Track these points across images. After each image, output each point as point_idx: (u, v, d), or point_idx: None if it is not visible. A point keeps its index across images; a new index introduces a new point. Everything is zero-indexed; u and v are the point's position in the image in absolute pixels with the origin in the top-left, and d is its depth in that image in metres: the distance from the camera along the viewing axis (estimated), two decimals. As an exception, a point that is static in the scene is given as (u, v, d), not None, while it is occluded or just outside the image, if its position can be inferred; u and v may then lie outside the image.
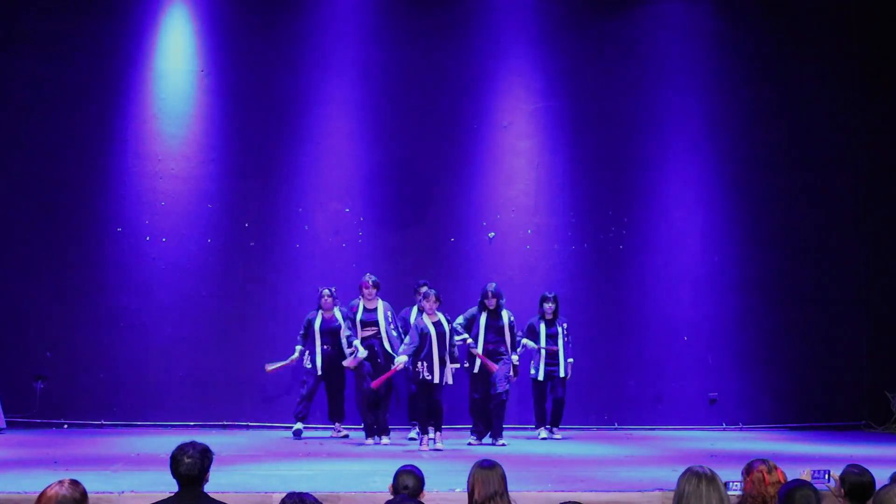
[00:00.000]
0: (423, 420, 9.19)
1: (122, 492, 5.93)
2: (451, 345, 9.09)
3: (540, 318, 10.23)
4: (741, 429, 11.55)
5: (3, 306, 10.67)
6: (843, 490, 4.63)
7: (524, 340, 10.14)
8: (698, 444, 9.96)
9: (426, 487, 4.62)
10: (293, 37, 11.30)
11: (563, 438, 10.14)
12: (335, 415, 10.18)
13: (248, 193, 11.18)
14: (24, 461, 7.73)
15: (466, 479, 4.35)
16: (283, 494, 3.87)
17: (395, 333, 9.63)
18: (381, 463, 7.62)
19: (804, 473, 5.08)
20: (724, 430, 11.48)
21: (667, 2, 11.96)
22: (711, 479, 3.90)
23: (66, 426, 10.54)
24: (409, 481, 4.50)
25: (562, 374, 10.15)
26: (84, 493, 3.92)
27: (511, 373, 9.78)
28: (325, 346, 9.95)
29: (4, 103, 10.89)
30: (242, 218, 11.14)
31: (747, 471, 4.44)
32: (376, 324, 9.59)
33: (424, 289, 9.82)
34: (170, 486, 4.49)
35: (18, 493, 5.80)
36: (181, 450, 4.36)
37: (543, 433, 10.21)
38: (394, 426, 9.86)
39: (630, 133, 11.79)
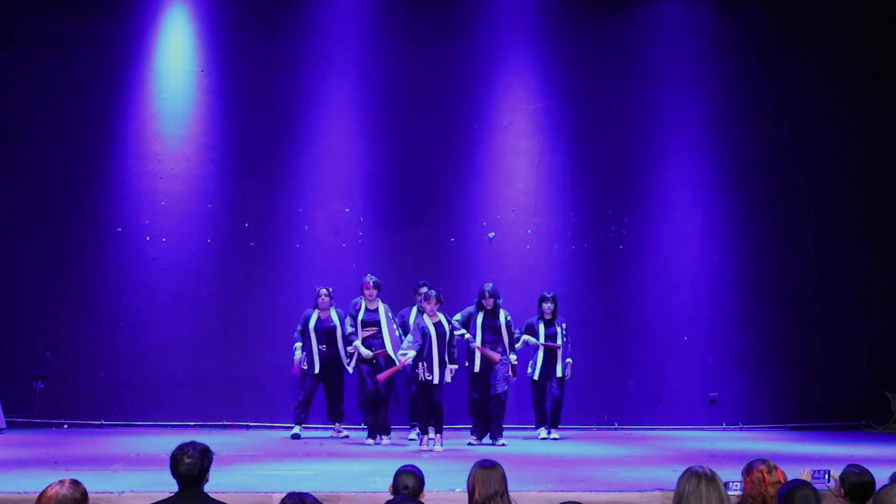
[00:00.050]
0: (424, 421, 9.20)
1: (122, 492, 5.93)
2: (452, 345, 9.10)
3: (539, 318, 10.22)
4: (741, 429, 11.56)
5: (3, 306, 10.66)
6: (843, 490, 4.63)
7: (525, 337, 10.14)
8: (698, 444, 9.96)
9: (426, 487, 4.63)
10: (293, 37, 11.30)
11: (561, 438, 10.13)
12: (334, 415, 10.18)
13: (248, 193, 11.18)
14: (24, 461, 7.73)
15: (466, 479, 4.35)
16: (283, 494, 3.87)
17: (397, 334, 9.63)
18: (381, 463, 7.62)
19: (804, 473, 5.08)
20: (724, 430, 11.48)
21: (667, 2, 11.97)
22: (711, 479, 3.90)
23: (66, 426, 10.54)
24: (409, 481, 4.50)
25: (559, 374, 10.15)
26: (84, 493, 3.92)
27: (510, 373, 9.78)
28: (321, 346, 9.95)
29: (5, 103, 10.88)
30: (242, 218, 11.14)
31: (747, 471, 4.44)
32: (377, 324, 9.58)
33: (424, 289, 9.82)
34: (170, 486, 4.50)
35: (18, 493, 5.80)
36: (181, 450, 4.36)
37: (543, 433, 10.21)
38: (394, 426, 9.85)
39: (630, 133, 11.80)
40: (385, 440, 9.51)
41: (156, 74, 11.13)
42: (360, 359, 9.58)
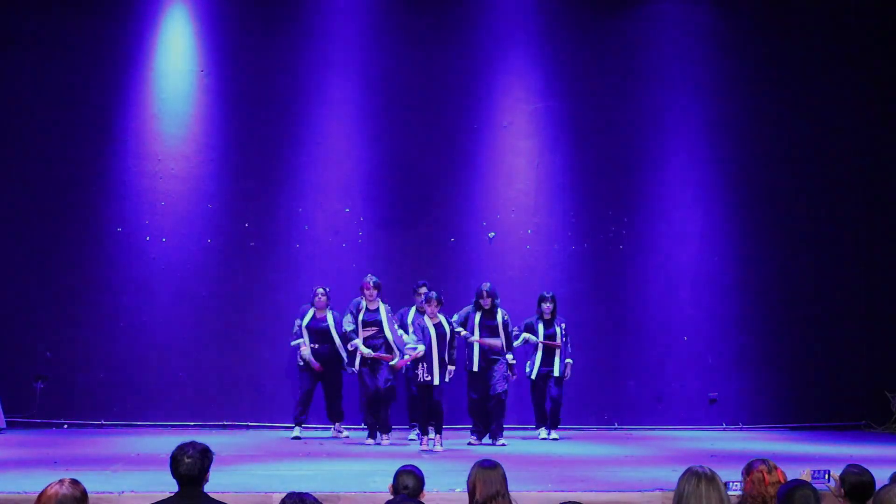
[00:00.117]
0: (424, 421, 9.21)
1: (122, 492, 5.93)
2: (452, 346, 9.11)
3: (538, 318, 10.22)
4: (741, 429, 11.56)
5: (3, 306, 10.67)
6: (843, 490, 4.63)
7: (524, 335, 10.14)
8: (698, 444, 9.96)
9: (426, 487, 4.62)
10: (293, 37, 11.30)
11: (561, 438, 10.12)
12: (334, 415, 10.17)
13: (248, 193, 11.18)
14: (24, 461, 7.73)
15: (466, 479, 4.35)
16: (283, 494, 3.87)
17: (399, 333, 9.62)
18: (381, 463, 7.62)
19: (804, 473, 5.08)
20: (724, 430, 11.48)
21: (667, 2, 11.97)
22: (711, 479, 3.90)
23: (66, 426, 10.54)
24: (409, 481, 4.50)
25: (556, 374, 10.14)
26: (84, 493, 3.92)
27: (508, 372, 9.78)
28: (313, 345, 9.95)
29: (5, 103, 10.89)
30: (242, 218, 11.14)
31: (747, 471, 4.44)
32: (378, 324, 9.57)
33: (424, 289, 9.84)
34: (170, 486, 4.49)
35: (18, 493, 5.80)
36: (181, 450, 4.36)
37: (543, 433, 10.21)
38: (394, 426, 9.84)
39: (630, 133, 11.80)
40: (385, 440, 9.50)
41: (156, 74, 11.13)
42: (361, 359, 9.56)
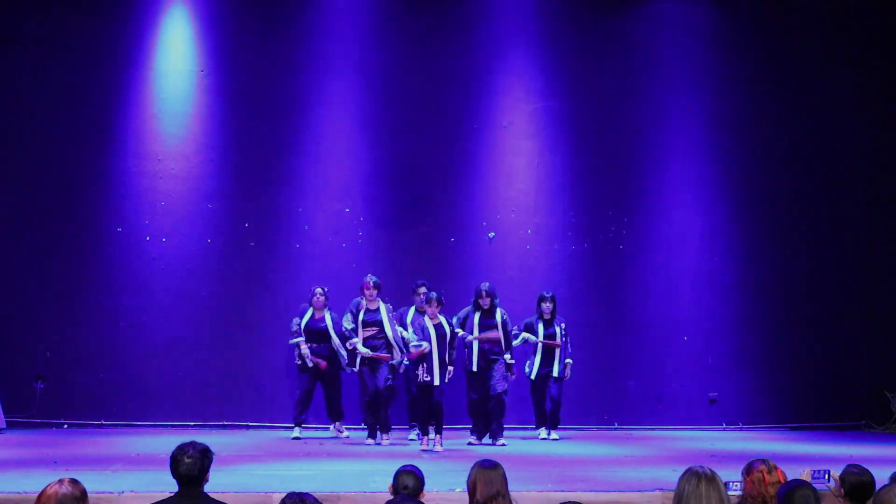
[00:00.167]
0: (424, 421, 9.22)
1: (122, 492, 5.93)
2: (452, 347, 9.11)
3: (538, 318, 10.22)
4: (741, 429, 11.56)
5: (3, 306, 10.67)
6: (843, 490, 4.63)
7: (524, 334, 10.13)
8: (698, 444, 9.96)
9: (426, 487, 4.62)
10: (293, 37, 11.30)
11: (561, 439, 10.12)
12: (333, 414, 10.16)
13: (248, 193, 11.18)
14: (24, 461, 7.73)
15: (466, 479, 4.35)
16: (283, 494, 3.87)
17: (400, 333, 9.61)
18: (381, 463, 7.62)
19: (804, 473, 5.08)
20: (724, 430, 11.48)
21: (667, 2, 11.97)
22: (711, 479, 3.90)
23: (66, 426, 10.54)
24: (409, 481, 4.50)
25: (555, 374, 10.14)
26: (84, 492, 3.92)
27: (507, 371, 9.77)
28: (311, 345, 9.94)
29: (5, 103, 10.89)
30: (242, 218, 11.14)
31: (747, 471, 4.44)
32: (378, 324, 9.57)
33: (423, 289, 9.85)
34: (170, 486, 4.49)
35: (18, 493, 5.80)
36: (181, 450, 4.36)
37: (543, 433, 10.21)
38: (394, 426, 9.84)
39: (630, 133, 11.80)
40: (385, 440, 9.50)
41: (156, 74, 11.13)
42: (361, 359, 9.56)
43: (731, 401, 11.70)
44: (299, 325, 10.01)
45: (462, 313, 9.94)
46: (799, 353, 11.81)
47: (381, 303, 9.64)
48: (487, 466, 4.31)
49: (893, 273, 12.09)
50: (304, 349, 9.93)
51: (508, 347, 9.82)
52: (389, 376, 9.54)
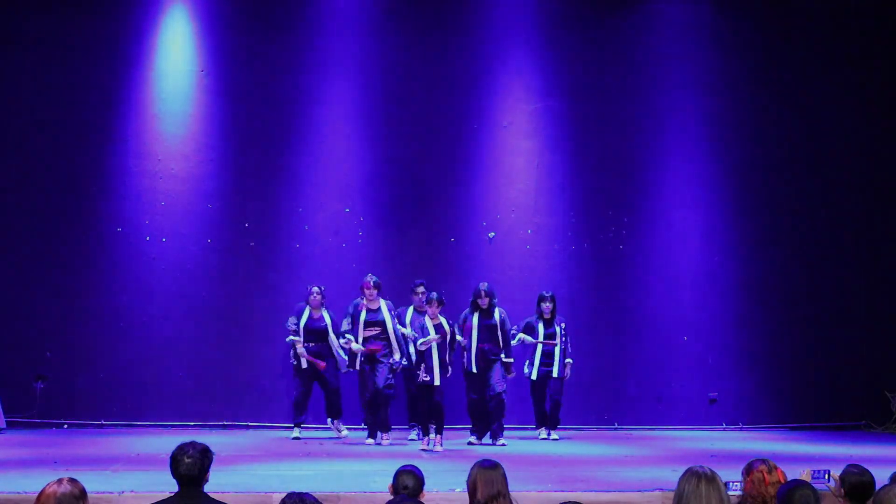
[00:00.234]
0: (424, 421, 9.22)
1: (122, 492, 5.93)
2: (452, 348, 9.11)
3: (538, 318, 10.22)
4: (741, 429, 11.56)
5: (3, 306, 10.66)
6: (843, 490, 4.63)
7: (520, 335, 10.12)
8: (698, 444, 9.96)
9: (426, 487, 4.62)
10: (293, 37, 11.30)
11: (561, 439, 10.12)
12: (332, 412, 10.12)
13: (248, 193, 11.18)
14: (24, 461, 7.73)
15: (466, 479, 4.35)
16: (283, 494, 3.87)
17: (401, 331, 9.60)
18: (381, 463, 7.62)
19: (804, 473, 5.08)
20: (724, 430, 11.48)
21: (667, 1, 11.97)
22: (711, 479, 3.90)
23: (66, 426, 10.54)
24: (409, 481, 4.50)
25: (555, 374, 10.14)
26: (83, 491, 3.92)
27: (506, 372, 9.76)
28: (308, 344, 9.93)
29: (4, 103, 10.88)
30: (242, 218, 11.14)
31: (747, 471, 4.44)
32: (380, 324, 9.56)
33: (421, 288, 9.85)
34: (170, 486, 4.49)
35: (18, 493, 5.80)
36: (181, 450, 4.36)
37: (543, 433, 10.21)
38: (394, 426, 9.84)
39: (630, 133, 11.80)
40: (385, 440, 9.50)
41: (156, 74, 11.13)
42: (362, 358, 9.54)
43: (731, 401, 11.70)
44: (297, 324, 9.99)
45: (462, 316, 9.90)
46: (799, 353, 11.81)
47: (381, 301, 9.64)
48: (487, 466, 4.31)
49: (893, 273, 12.09)
50: (301, 349, 9.93)
51: (507, 347, 9.81)
52: (390, 376, 9.53)
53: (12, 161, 10.86)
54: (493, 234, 11.49)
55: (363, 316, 9.57)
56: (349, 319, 9.66)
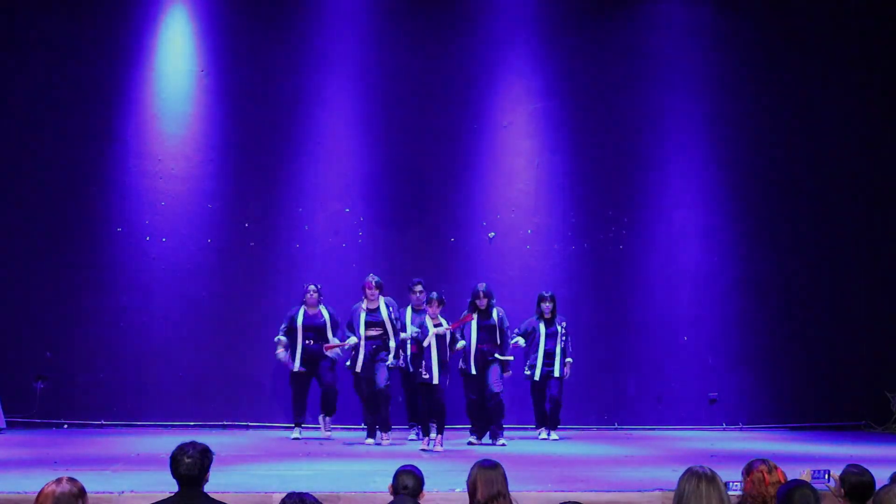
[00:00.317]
0: (424, 421, 9.22)
1: (122, 492, 5.93)
2: (452, 349, 9.10)
3: (538, 318, 10.22)
4: (741, 429, 11.56)
5: (3, 306, 10.66)
6: (843, 490, 4.63)
7: (517, 338, 10.09)
8: (698, 444, 9.96)
9: (426, 487, 4.62)
10: (293, 37, 11.30)
11: (561, 439, 10.12)
12: (326, 407, 10.05)
13: (248, 193, 11.18)
14: (24, 461, 7.73)
15: (466, 479, 4.35)
16: (283, 494, 3.88)
17: (402, 336, 9.57)
18: (381, 463, 7.62)
19: (804, 473, 5.08)
20: (724, 430, 11.48)
21: (667, 2, 11.97)
22: (711, 479, 3.90)
23: (66, 426, 10.54)
24: (409, 481, 4.50)
25: (556, 374, 10.14)
26: (82, 489, 3.92)
27: (503, 371, 9.74)
28: (307, 341, 9.93)
29: (5, 103, 10.88)
30: (242, 218, 11.14)
31: (747, 471, 4.44)
32: (381, 324, 9.56)
33: (419, 287, 9.84)
34: (170, 486, 4.50)
35: (18, 493, 5.80)
36: (181, 450, 4.37)
37: (543, 433, 10.21)
38: (394, 426, 9.83)
39: (630, 133, 11.80)
40: (385, 440, 9.50)
41: (156, 74, 11.13)
42: (363, 360, 9.52)
43: (731, 401, 11.70)
44: (284, 329, 9.97)
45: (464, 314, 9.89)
46: (799, 353, 11.81)
47: (381, 301, 9.62)
48: (487, 466, 4.31)
49: (893, 273, 12.09)
50: (281, 354, 9.90)
51: (505, 346, 9.79)
52: (389, 376, 9.52)
53: (12, 161, 10.85)
54: (493, 234, 11.49)
55: (363, 317, 9.57)
56: (347, 329, 9.67)
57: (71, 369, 10.72)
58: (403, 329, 9.58)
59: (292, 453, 8.68)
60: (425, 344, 8.99)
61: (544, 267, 11.52)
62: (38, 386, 10.63)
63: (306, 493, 3.87)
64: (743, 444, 10.09)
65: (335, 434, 10.12)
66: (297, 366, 9.92)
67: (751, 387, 11.75)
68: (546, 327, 10.16)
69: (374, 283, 9.58)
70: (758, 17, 12.06)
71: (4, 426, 10.14)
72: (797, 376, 11.76)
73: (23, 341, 10.68)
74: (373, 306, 9.61)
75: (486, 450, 9.11)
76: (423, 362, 8.96)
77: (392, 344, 9.51)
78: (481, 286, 9.83)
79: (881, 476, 4.73)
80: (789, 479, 4.28)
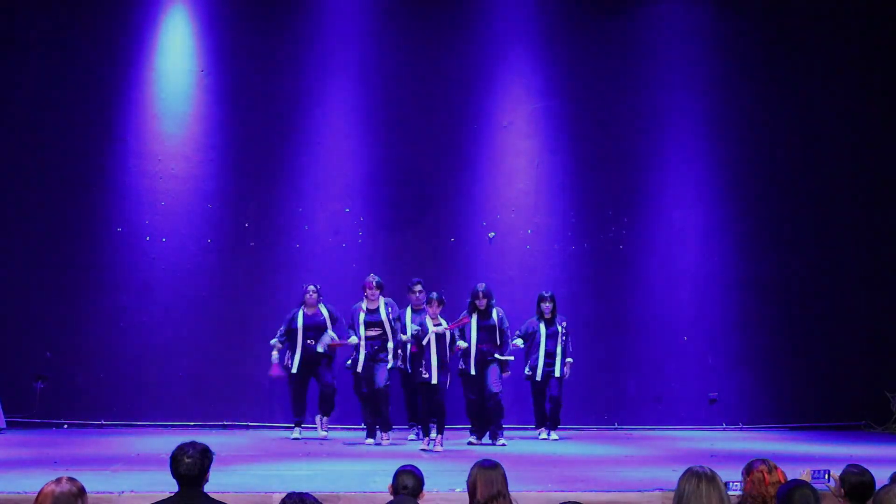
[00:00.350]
0: (424, 421, 9.22)
1: (122, 492, 5.93)
2: (452, 350, 9.10)
3: (538, 319, 10.22)
4: (741, 429, 11.55)
5: (3, 306, 10.66)
6: (843, 490, 4.63)
7: (516, 339, 10.09)
8: (698, 444, 9.96)
9: (426, 487, 4.62)
10: (293, 37, 11.30)
11: (561, 439, 10.12)
12: (324, 406, 10.02)
13: (248, 193, 11.18)
14: (24, 461, 7.72)
15: (466, 479, 4.35)
16: (283, 494, 3.88)
17: (402, 338, 9.57)
18: (381, 463, 7.62)
19: (804, 473, 5.09)
20: (724, 430, 11.48)
21: (667, 2, 11.97)
22: (711, 479, 3.90)
23: (66, 426, 10.54)
24: (409, 481, 4.50)
25: (557, 374, 10.13)
26: (81, 489, 3.92)
27: (502, 370, 9.74)
28: (308, 341, 9.93)
29: (5, 103, 10.89)
30: (242, 218, 11.14)
31: (747, 471, 4.44)
32: (381, 325, 9.56)
33: (418, 287, 9.84)
34: (170, 486, 4.50)
35: (18, 493, 5.80)
36: (181, 450, 4.37)
37: (544, 433, 10.21)
38: (394, 426, 9.83)
39: (630, 133, 11.80)
40: (385, 440, 9.50)
41: (156, 74, 11.13)
42: (364, 360, 9.52)
43: (731, 401, 11.69)
44: (283, 331, 9.97)
45: (462, 316, 9.88)
46: (799, 353, 11.81)
47: (382, 301, 9.62)
48: (487, 466, 4.31)
49: (893, 273, 12.08)
50: (275, 356, 9.92)
51: (503, 346, 9.79)
52: (388, 376, 9.52)
53: (12, 161, 10.85)
54: (493, 234, 11.49)
55: (362, 317, 9.57)
56: (349, 325, 9.68)
57: (71, 369, 10.72)
58: (403, 331, 9.56)
59: (292, 453, 8.68)
60: (424, 342, 8.99)
61: (544, 267, 11.52)
62: (38, 386, 10.63)
63: (306, 493, 3.87)
64: (743, 444, 10.09)
65: (335, 434, 10.12)
66: (295, 367, 9.92)
67: (751, 387, 11.75)
68: (546, 327, 10.16)
69: (374, 283, 9.58)
70: (758, 18, 12.06)
71: (4, 426, 10.14)
72: (797, 376, 11.75)
73: (23, 341, 10.68)
74: (373, 306, 9.61)
75: (486, 450, 9.11)
76: (423, 361, 8.96)
77: (390, 345, 9.51)
78: (480, 286, 9.82)
79: (881, 476, 4.73)
80: (789, 479, 4.28)
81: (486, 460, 4.38)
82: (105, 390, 10.71)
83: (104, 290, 10.85)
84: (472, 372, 9.68)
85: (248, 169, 11.21)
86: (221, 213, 11.12)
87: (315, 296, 10.01)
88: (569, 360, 10.20)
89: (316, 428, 10.06)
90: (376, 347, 9.54)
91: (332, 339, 9.86)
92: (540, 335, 10.15)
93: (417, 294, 9.81)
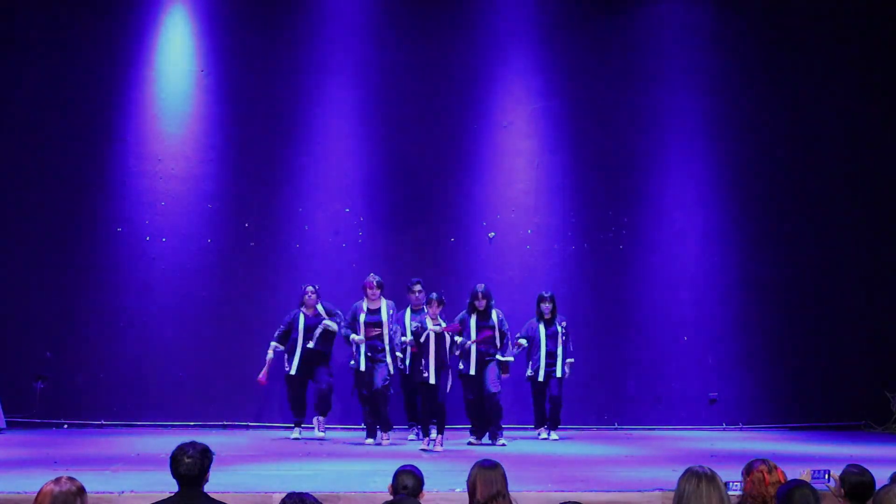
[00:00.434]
0: (424, 421, 9.22)
1: (122, 492, 5.93)
2: (452, 351, 9.10)
3: (538, 319, 10.21)
4: (741, 429, 11.56)
5: (3, 306, 10.66)
6: (843, 490, 4.63)
7: (520, 340, 10.09)
8: (698, 444, 9.96)
9: (426, 487, 4.62)
10: (293, 37, 11.31)
11: (561, 439, 10.12)
12: (321, 405, 10.03)
13: (248, 193, 11.18)
14: (24, 461, 7.72)
15: (466, 479, 4.35)
16: (283, 494, 3.88)
17: (403, 339, 9.56)
18: (381, 463, 7.62)
19: (804, 473, 5.09)
20: (724, 430, 11.48)
21: (667, 2, 11.97)
22: (711, 479, 3.90)
23: (66, 426, 10.54)
24: (409, 481, 4.50)
25: (558, 374, 10.13)
26: (81, 489, 3.93)
27: (501, 371, 9.73)
28: (308, 343, 9.92)
29: (4, 103, 10.89)
30: (242, 218, 11.14)
31: (747, 471, 4.44)
32: (381, 325, 9.56)
33: (418, 287, 9.83)
34: (170, 486, 4.50)
35: (18, 493, 5.80)
36: (181, 450, 4.37)
37: (544, 433, 10.21)
38: (394, 426, 9.83)
39: (630, 133, 11.80)
40: (385, 440, 9.50)
41: (156, 74, 11.13)
42: (367, 358, 9.52)
43: (731, 401, 11.69)
44: (281, 333, 9.97)
45: (458, 319, 9.87)
46: (799, 353, 11.81)
47: (383, 302, 9.62)
48: (487, 466, 4.31)
49: (893, 273, 12.08)
50: (270, 356, 9.93)
51: (503, 347, 9.78)
52: (388, 376, 9.52)
53: (12, 161, 10.85)
54: (493, 234, 11.49)
55: (362, 317, 9.56)
56: (345, 324, 9.67)
57: (71, 369, 10.72)
58: (404, 333, 9.56)
59: (292, 453, 8.68)
60: (422, 339, 8.99)
61: (544, 267, 11.52)
62: (38, 386, 10.63)
63: (306, 493, 3.87)
64: (743, 444, 10.09)
65: (335, 434, 10.13)
66: (294, 368, 9.92)
67: (751, 387, 11.75)
68: (546, 328, 10.16)
69: (374, 283, 9.58)
70: (758, 18, 12.06)
71: (4, 426, 10.14)
72: (797, 376, 11.75)
73: (23, 341, 10.68)
74: (374, 306, 9.61)
75: (486, 450, 9.11)
76: (423, 361, 8.96)
77: (388, 347, 9.51)
78: (480, 287, 9.82)
79: (881, 476, 4.73)
80: (789, 479, 4.28)
81: (485, 460, 4.38)
82: (105, 390, 10.71)
83: (104, 290, 10.85)
84: (472, 372, 9.68)
85: (248, 169, 11.21)
86: (221, 213, 11.12)
87: (314, 296, 10.01)
88: (569, 360, 10.20)
89: (313, 428, 10.07)
90: (379, 348, 9.53)
91: (326, 326, 9.86)
92: (539, 336, 10.14)
93: (417, 294, 9.81)
